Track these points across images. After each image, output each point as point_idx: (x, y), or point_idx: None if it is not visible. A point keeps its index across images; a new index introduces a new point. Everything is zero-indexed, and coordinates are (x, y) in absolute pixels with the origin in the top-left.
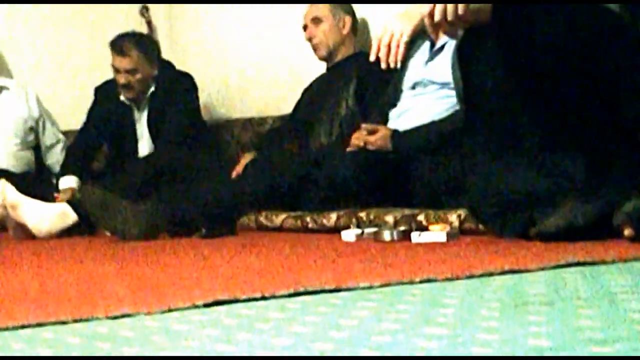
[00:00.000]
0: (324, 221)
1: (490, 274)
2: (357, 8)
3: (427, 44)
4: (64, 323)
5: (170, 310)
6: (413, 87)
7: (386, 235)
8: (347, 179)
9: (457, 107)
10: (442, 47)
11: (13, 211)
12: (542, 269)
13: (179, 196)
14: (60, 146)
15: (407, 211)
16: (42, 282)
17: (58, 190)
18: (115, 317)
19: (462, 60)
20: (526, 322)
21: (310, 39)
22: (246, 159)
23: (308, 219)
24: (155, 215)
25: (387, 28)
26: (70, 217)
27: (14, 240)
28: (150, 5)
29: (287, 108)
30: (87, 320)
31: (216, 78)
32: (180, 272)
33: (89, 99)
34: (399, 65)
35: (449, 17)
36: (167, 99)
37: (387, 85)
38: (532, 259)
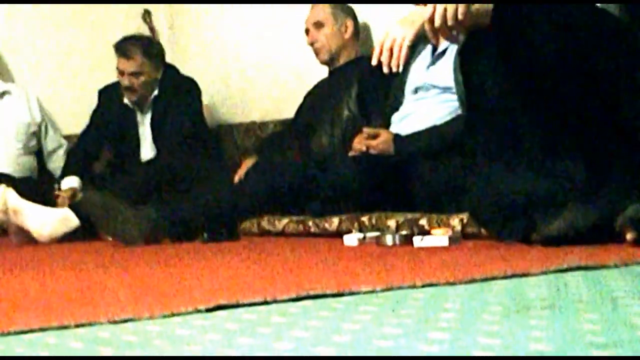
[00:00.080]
0: (326, 225)
1: (492, 278)
2: (359, 12)
3: (429, 48)
4: (66, 328)
5: (172, 315)
6: (415, 92)
7: (388, 239)
8: (349, 183)
9: (459, 112)
10: (444, 51)
11: (15, 216)
12: (544, 272)
13: (181, 201)
14: (62, 151)
15: (409, 215)
16: (44, 286)
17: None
18: (118, 322)
19: (464, 64)
20: (528, 326)
21: (312, 43)
22: (248, 163)
23: (310, 223)
24: (157, 219)
25: (389, 32)
26: (72, 221)
27: (15, 245)
28: (152, 10)
29: (289, 112)
30: (89, 324)
31: (218, 82)
32: (182, 276)
33: (90, 102)
34: (400, 70)
35: (449, 22)
36: (170, 103)
37: (389, 89)
38: (533, 263)
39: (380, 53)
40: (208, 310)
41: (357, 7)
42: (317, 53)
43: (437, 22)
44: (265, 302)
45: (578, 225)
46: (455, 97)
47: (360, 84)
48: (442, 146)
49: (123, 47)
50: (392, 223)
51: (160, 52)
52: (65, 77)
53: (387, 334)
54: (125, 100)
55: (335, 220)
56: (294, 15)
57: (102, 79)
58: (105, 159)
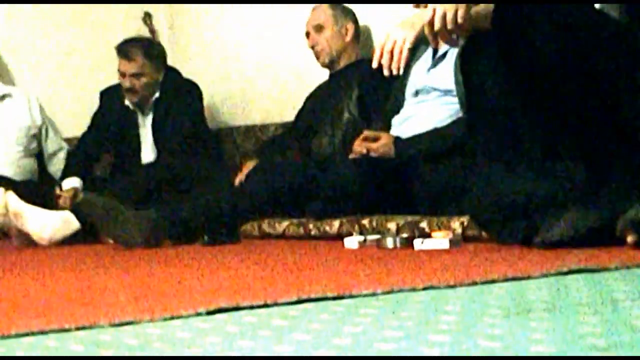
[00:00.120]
0: (327, 228)
1: (493, 281)
2: (360, 15)
3: (429, 50)
4: (66, 331)
5: (172, 318)
6: (416, 94)
7: (389, 242)
8: (350, 184)
9: (460, 114)
10: (445, 54)
11: (16, 219)
12: (545, 275)
13: (181, 203)
14: (62, 154)
15: (409, 218)
16: (45, 289)
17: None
18: (118, 325)
19: (464, 65)
20: (528, 328)
21: (312, 46)
22: (248, 166)
23: (311, 226)
24: (157, 222)
25: (390, 35)
26: (72, 224)
27: (16, 248)
28: (152, 12)
29: (290, 115)
30: (90, 327)
31: (218, 84)
32: (182, 279)
33: (90, 105)
34: (401, 72)
35: (449, 25)
36: (171, 105)
37: (389, 92)
38: (534, 265)
39: (381, 56)
40: (209, 312)
41: (357, 10)
42: (317, 56)
43: (437, 25)
44: (266, 305)
45: (579, 229)
46: (456, 99)
47: (360, 87)
48: (443, 149)
49: (124, 48)
50: (392, 226)
51: (162, 54)
52: (66, 79)
53: (387, 336)
54: (127, 102)
55: (336, 223)
56: (295, 17)
57: (102, 82)
58: (106, 162)
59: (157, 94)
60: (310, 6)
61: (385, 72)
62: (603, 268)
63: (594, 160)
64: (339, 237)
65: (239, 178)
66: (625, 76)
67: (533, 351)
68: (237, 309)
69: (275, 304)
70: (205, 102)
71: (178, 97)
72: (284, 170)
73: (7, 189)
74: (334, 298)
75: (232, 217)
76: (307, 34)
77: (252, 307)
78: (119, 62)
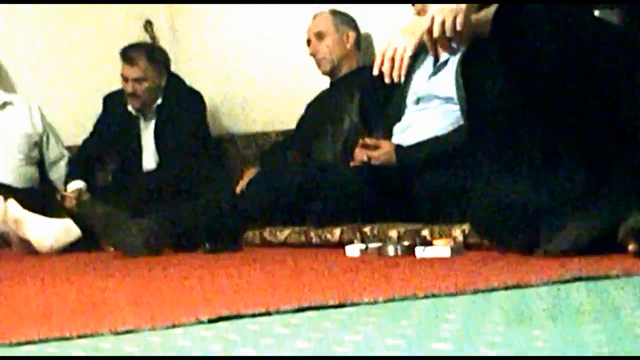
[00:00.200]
0: (328, 236)
1: (494, 289)
2: (361, 22)
3: (430, 58)
4: (68, 339)
5: (174, 326)
6: (417, 102)
7: (390, 250)
8: (351, 191)
9: (461, 122)
10: (446, 61)
11: (16, 227)
12: (546, 283)
13: (182, 211)
14: (64, 162)
15: (410, 226)
16: (46, 297)
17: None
18: (119, 333)
19: (465, 72)
20: (530, 337)
21: (313, 54)
22: (250, 174)
23: (312, 234)
24: (158, 230)
25: (391, 42)
26: (73, 232)
27: (17, 256)
28: (153, 19)
29: (291, 122)
30: (91, 335)
31: (219, 91)
32: (184, 287)
33: (91, 114)
34: (402, 80)
35: (448, 33)
36: (174, 111)
37: (390, 99)
38: (536, 273)
39: (382, 63)
40: (210, 321)
41: (358, 17)
42: (318, 64)
43: (436, 32)
44: (268, 313)
45: (581, 240)
46: (457, 107)
47: (362, 95)
48: (445, 157)
49: (128, 53)
50: (394, 234)
51: (165, 60)
52: (67, 88)
53: (389, 344)
54: (129, 107)
55: (337, 231)
56: (298, 27)
57: (103, 90)
58: (109, 170)
59: (159, 100)
60: (312, 13)
61: (386, 80)
62: (605, 276)
63: (594, 161)
64: (341, 245)
65: (241, 186)
66: (625, 77)
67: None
68: (238, 317)
69: (277, 312)
70: (207, 108)
71: (181, 104)
72: (285, 176)
73: (8, 196)
74: (336, 306)
75: (234, 224)
76: (308, 42)
77: (253, 315)
78: (122, 67)
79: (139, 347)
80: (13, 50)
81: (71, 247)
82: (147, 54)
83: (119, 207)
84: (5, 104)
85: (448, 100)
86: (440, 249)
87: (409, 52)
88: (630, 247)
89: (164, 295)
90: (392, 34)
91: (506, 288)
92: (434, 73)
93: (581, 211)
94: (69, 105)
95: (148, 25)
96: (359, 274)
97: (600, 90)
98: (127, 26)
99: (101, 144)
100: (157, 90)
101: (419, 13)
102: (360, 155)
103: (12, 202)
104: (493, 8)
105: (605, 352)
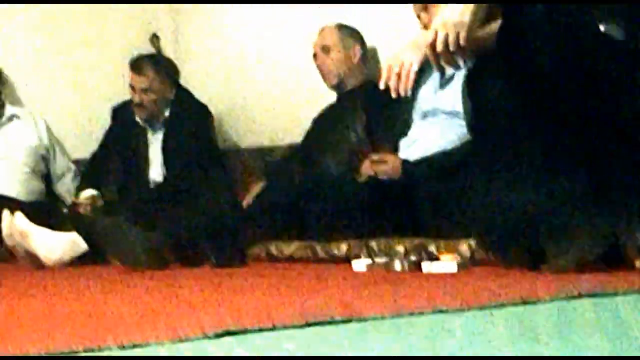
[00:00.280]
0: (335, 251)
1: (501, 305)
2: (367, 36)
3: (437, 72)
4: (74, 353)
5: (180, 340)
6: (423, 116)
7: (397, 265)
8: (357, 206)
9: (468, 137)
10: (452, 76)
11: (23, 240)
12: (553, 299)
13: (188, 224)
14: (70, 175)
15: (417, 241)
16: (53, 311)
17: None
18: (126, 347)
19: (471, 88)
20: (537, 353)
21: (320, 68)
22: (256, 188)
23: (318, 248)
24: (165, 244)
25: (397, 57)
26: (80, 246)
27: (23, 269)
28: (160, 34)
29: (297, 137)
30: (98, 349)
31: (225, 105)
32: (190, 301)
33: (97, 127)
34: (408, 94)
35: (451, 48)
36: (182, 125)
37: (397, 114)
38: (542, 289)
39: (388, 77)
40: (217, 335)
41: (364, 31)
42: (325, 78)
43: (439, 48)
44: (274, 328)
45: (588, 258)
46: (463, 122)
47: (368, 109)
48: (451, 172)
49: (136, 63)
50: (400, 248)
51: (173, 72)
52: (73, 102)
53: None
54: (137, 118)
55: (344, 246)
56: (304, 40)
57: (109, 104)
58: (115, 185)
59: (167, 113)
60: (319, 27)
61: (393, 94)
62: (612, 292)
63: (595, 163)
64: (347, 259)
65: (247, 200)
66: (628, 83)
67: None
68: (245, 332)
69: (284, 327)
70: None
71: (189, 117)
72: (291, 190)
73: (14, 209)
74: (342, 321)
75: (239, 238)
76: (315, 55)
77: (260, 330)
78: (131, 77)
79: None
80: (19, 64)
81: (77, 261)
82: (155, 65)
83: (124, 221)
84: (11, 117)
85: (454, 114)
86: (447, 264)
87: (415, 67)
88: (637, 263)
89: (170, 309)
90: (398, 48)
91: (513, 304)
92: (440, 87)
93: (584, 219)
94: (75, 118)
95: (155, 38)
96: (366, 289)
97: (602, 90)
98: (133, 40)
99: (109, 156)
100: (164, 102)
101: (425, 26)
102: (366, 169)
103: (19, 215)
104: (497, 23)
105: None
